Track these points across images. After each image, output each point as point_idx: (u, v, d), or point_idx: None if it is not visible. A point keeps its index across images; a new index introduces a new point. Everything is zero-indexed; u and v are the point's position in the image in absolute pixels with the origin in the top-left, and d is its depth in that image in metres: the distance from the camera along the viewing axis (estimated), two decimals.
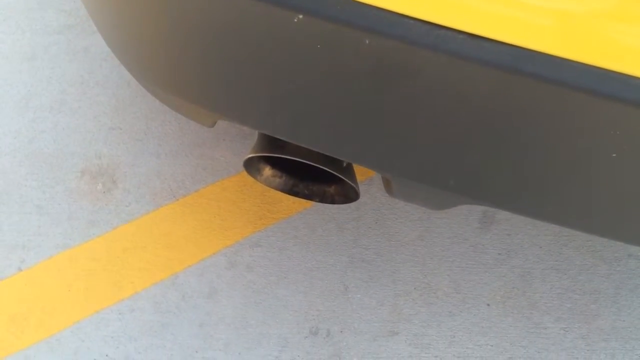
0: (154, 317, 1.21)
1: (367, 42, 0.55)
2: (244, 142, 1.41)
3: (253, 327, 1.21)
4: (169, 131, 1.41)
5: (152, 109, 1.43)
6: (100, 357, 1.17)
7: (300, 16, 0.55)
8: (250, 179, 1.37)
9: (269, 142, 0.86)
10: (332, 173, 0.88)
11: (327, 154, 0.72)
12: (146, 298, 1.22)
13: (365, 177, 1.38)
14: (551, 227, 1.34)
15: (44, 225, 1.28)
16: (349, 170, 0.88)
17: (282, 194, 1.34)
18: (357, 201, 1.35)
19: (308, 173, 1.01)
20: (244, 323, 1.21)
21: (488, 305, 1.25)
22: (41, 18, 1.53)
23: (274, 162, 1.00)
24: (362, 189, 1.36)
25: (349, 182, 0.87)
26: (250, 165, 0.97)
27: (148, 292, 1.23)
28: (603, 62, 0.51)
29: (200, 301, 1.23)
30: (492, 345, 1.21)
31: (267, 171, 0.99)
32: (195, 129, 1.41)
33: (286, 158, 0.93)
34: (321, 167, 0.83)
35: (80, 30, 1.52)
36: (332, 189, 1.00)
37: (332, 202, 1.01)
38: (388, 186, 0.81)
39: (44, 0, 1.56)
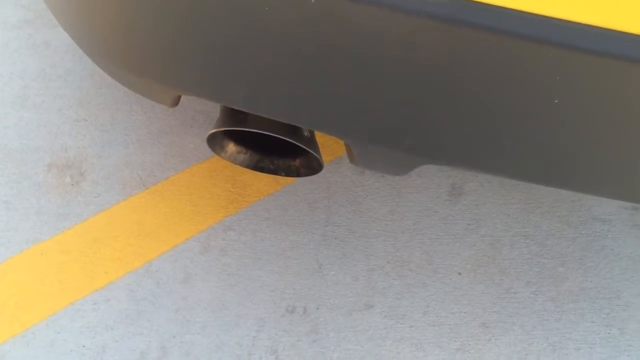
0: (130, 306, 1.21)
1: (312, 0, 0.56)
2: (212, 128, 1.41)
3: (230, 309, 1.21)
4: (135, 120, 1.40)
5: (117, 100, 1.43)
6: (77, 348, 1.17)
7: None
8: (219, 164, 1.38)
9: (231, 117, 0.87)
10: (295, 147, 0.89)
11: (285, 121, 0.73)
12: (121, 287, 1.22)
13: (335, 157, 1.40)
14: (518, 195, 1.37)
15: (13, 220, 1.27)
16: (311, 141, 0.90)
17: (252, 177, 1.35)
18: (328, 180, 1.37)
19: (273, 149, 1.02)
20: (221, 306, 1.21)
21: (459, 274, 1.28)
22: None
23: (237, 139, 1.00)
24: (331, 168, 1.38)
25: (312, 152, 0.88)
26: (214, 142, 0.98)
27: (122, 281, 1.23)
28: (539, 8, 0.53)
29: (176, 287, 1.23)
30: (465, 313, 1.24)
31: (231, 147, 1.00)
32: (163, 116, 1.41)
33: (251, 135, 0.94)
34: (282, 137, 0.84)
35: (40, 25, 1.51)
36: (296, 162, 1.01)
37: (298, 174, 1.02)
38: (350, 154, 0.82)
39: None
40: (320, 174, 1.06)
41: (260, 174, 1.33)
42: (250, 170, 1.33)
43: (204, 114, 1.43)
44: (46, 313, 1.19)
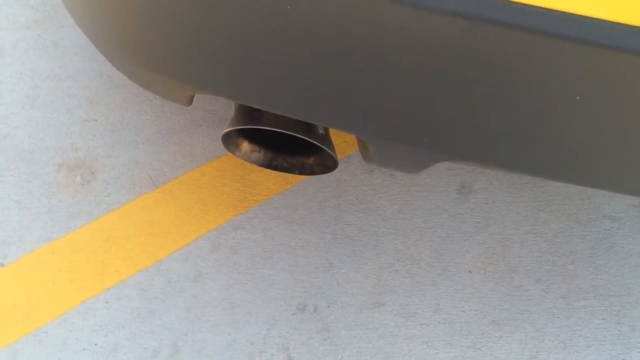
0: (141, 304, 1.21)
1: None
2: (221, 127, 1.42)
3: (240, 307, 1.22)
4: (145, 120, 1.40)
5: (126, 99, 1.43)
6: (90, 347, 1.17)
7: None
8: (229, 163, 1.38)
9: (246, 115, 0.87)
10: (309, 144, 0.90)
11: (302, 119, 0.73)
12: (132, 286, 1.23)
13: (344, 155, 1.40)
14: (527, 193, 1.38)
15: (24, 219, 1.27)
16: (326, 139, 0.90)
17: (262, 176, 1.36)
18: (337, 179, 1.37)
19: (286, 147, 1.02)
20: (232, 304, 1.22)
21: (470, 272, 1.28)
22: (8, 14, 1.52)
23: (252, 137, 1.01)
24: (341, 166, 1.38)
25: (327, 149, 0.88)
26: (229, 141, 0.98)
27: (133, 279, 1.23)
28: (557, 4, 0.54)
29: (186, 285, 1.23)
30: (475, 310, 1.24)
31: (246, 146, 1.00)
32: (172, 116, 1.41)
33: (264, 133, 0.95)
34: (298, 135, 0.84)
35: (49, 25, 1.51)
36: (310, 160, 1.02)
37: (312, 172, 1.02)
38: (365, 151, 0.83)
39: None
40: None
41: (270, 172, 1.34)
42: (259, 169, 1.34)
43: (213, 113, 1.43)
44: (58, 312, 1.19)
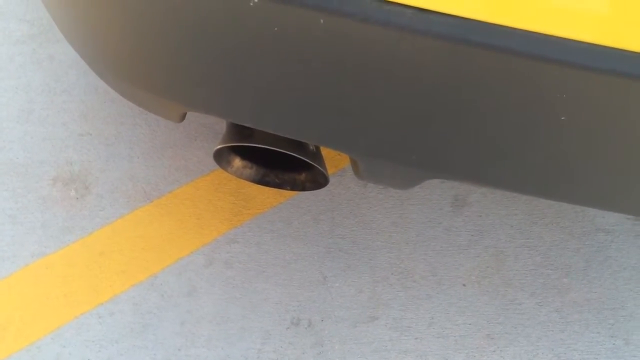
0: (135, 319, 1.21)
1: (321, 21, 0.56)
2: (216, 141, 1.42)
3: (234, 321, 1.21)
4: (139, 134, 1.41)
5: (121, 113, 1.43)
6: None
7: (256, 0, 0.57)
8: (223, 177, 1.38)
9: (237, 132, 0.88)
10: (301, 161, 0.90)
11: (292, 137, 0.74)
12: (125, 300, 1.22)
13: (338, 169, 1.40)
14: (521, 206, 1.38)
15: (18, 234, 1.27)
16: (317, 156, 0.90)
17: (256, 190, 1.36)
18: (331, 192, 1.37)
19: (278, 163, 1.03)
20: (225, 318, 1.22)
21: (464, 285, 1.28)
22: (3, 29, 1.52)
23: (243, 154, 1.01)
24: (335, 180, 1.38)
25: (318, 167, 0.89)
26: (221, 158, 0.99)
27: (127, 294, 1.23)
28: (541, 27, 0.54)
29: (180, 300, 1.23)
30: (470, 324, 1.24)
31: (237, 162, 1.00)
32: (166, 130, 1.42)
33: (256, 150, 0.95)
34: (289, 152, 0.84)
35: (44, 39, 1.52)
36: (302, 177, 1.02)
37: (303, 189, 1.02)
38: (356, 168, 0.83)
39: (5, 12, 1.55)
40: None
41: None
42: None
43: (208, 127, 1.44)
44: (51, 327, 1.19)
